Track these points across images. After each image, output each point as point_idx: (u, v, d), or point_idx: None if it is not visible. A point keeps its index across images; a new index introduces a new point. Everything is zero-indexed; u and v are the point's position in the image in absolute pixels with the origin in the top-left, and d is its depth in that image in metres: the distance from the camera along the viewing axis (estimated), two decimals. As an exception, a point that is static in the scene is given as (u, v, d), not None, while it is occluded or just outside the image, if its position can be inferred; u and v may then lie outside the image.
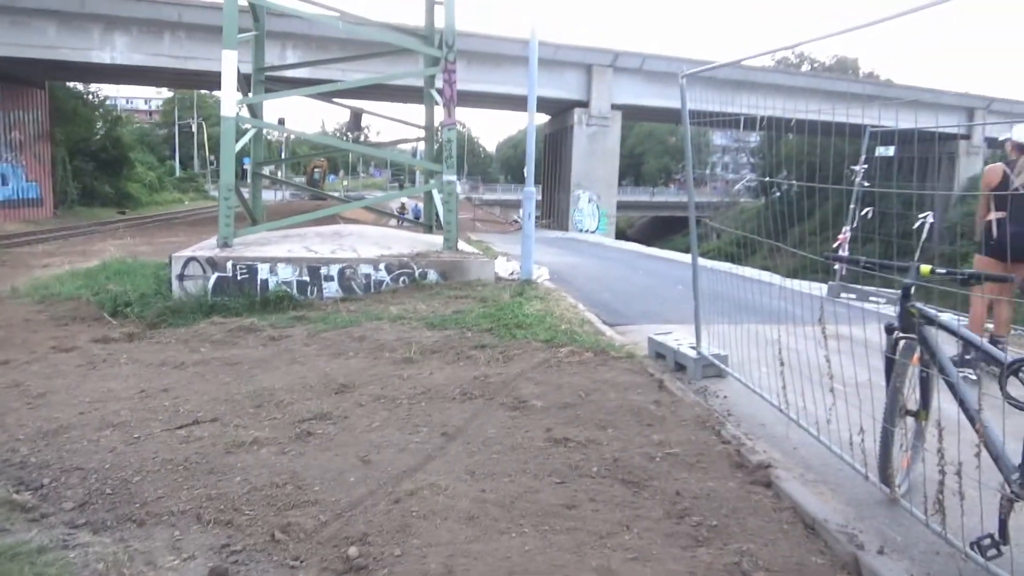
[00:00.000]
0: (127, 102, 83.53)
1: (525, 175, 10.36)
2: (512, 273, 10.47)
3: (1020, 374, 2.61)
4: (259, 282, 8.32)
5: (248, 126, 11.43)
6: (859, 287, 8.98)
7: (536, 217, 24.01)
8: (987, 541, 2.63)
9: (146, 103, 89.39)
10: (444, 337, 6.19)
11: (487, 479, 3.51)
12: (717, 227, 5.76)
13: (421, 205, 18.74)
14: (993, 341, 5.06)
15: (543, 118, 37.06)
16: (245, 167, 13.74)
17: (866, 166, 8.77)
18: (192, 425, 4.18)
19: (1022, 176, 5.10)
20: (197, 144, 65.15)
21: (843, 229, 8.85)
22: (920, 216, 8.12)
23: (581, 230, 30.99)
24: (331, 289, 8.54)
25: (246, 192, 12.62)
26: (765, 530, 3.10)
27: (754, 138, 56.47)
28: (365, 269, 8.74)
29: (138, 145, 53.49)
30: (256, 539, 2.93)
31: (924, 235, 8.01)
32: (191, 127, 64.75)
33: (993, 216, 5.13)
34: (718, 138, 68.91)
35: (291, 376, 5.14)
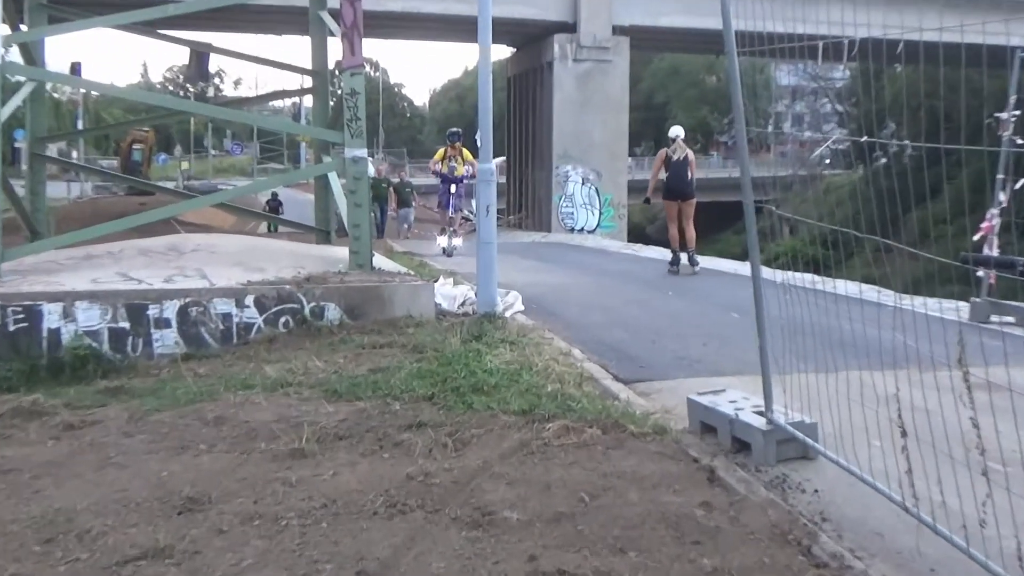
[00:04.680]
0: None
1: (478, 143, 10.38)
2: (464, 303, 10.44)
3: None
4: (44, 334, 8.17)
5: (21, 78, 11.30)
6: (1020, 304, 9.12)
7: (500, 211, 23.93)
8: None
9: None
10: (355, 413, 6.13)
11: (434, 645, 3.46)
12: (789, 217, 5.81)
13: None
14: (690, 252, 15.32)
15: (504, 51, 37.39)
16: (17, 145, 13.60)
17: (1018, 112, 8.95)
18: (-63, 578, 4.06)
19: (676, 154, 14.85)
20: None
21: (987, 213, 9.01)
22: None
23: (572, 229, 31.25)
24: (166, 341, 8.43)
25: (19, 186, 12.47)
26: None
27: (842, 74, 57.40)
28: (222, 306, 8.65)
29: None
30: None
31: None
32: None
33: (663, 175, 15.14)
34: (785, 76, 69.92)
35: (103, 488, 5.03)
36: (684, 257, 15.50)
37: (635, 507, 4.58)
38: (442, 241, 20.33)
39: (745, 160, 5.43)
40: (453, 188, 19.73)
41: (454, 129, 20.24)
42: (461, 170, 19.42)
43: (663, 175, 15.42)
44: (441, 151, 20.02)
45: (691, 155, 15.29)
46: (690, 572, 3.97)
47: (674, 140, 15.10)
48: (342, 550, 4.23)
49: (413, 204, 30.17)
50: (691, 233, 15.22)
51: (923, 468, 4.05)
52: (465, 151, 19.59)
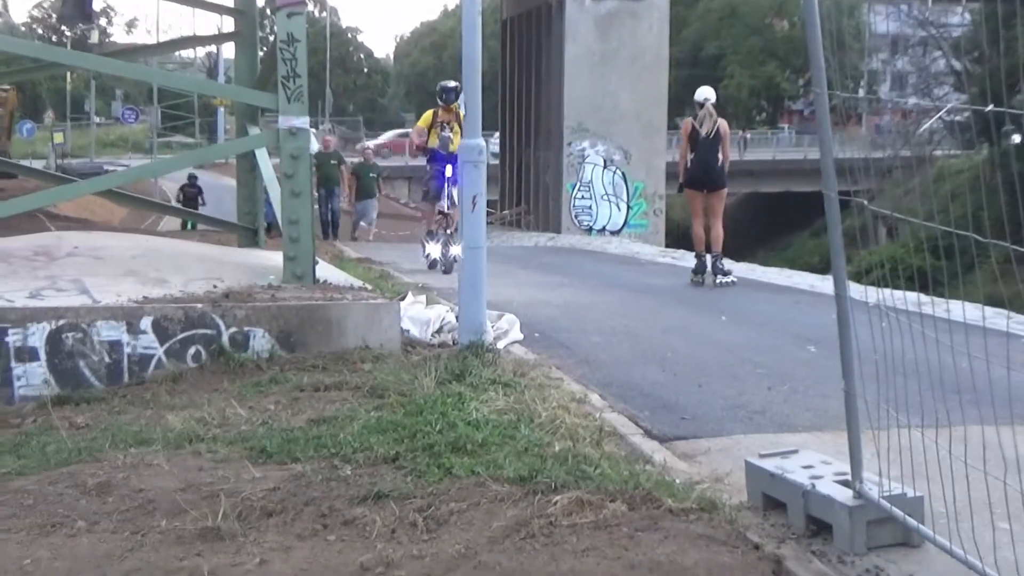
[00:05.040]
0: None
1: (462, 111, 10.40)
2: (440, 330, 10.45)
3: None
4: None
5: None
6: None
7: (491, 204, 23.93)
8: None
9: None
10: (290, 480, 6.13)
11: None
12: (887, 214, 5.81)
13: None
14: (715, 256, 16.32)
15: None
16: None
17: None
18: None
19: (704, 126, 15.57)
20: None
21: None
22: None
23: (590, 229, 31.29)
24: (32, 378, 8.43)
25: None
26: None
27: (960, 19, 57.50)
28: (109, 331, 8.65)
29: None
30: None
31: None
32: None
33: (689, 156, 15.86)
34: (883, 21, 69.88)
35: (-57, 582, 5.02)
36: (710, 262, 16.47)
37: (674, 611, 4.58)
38: (432, 249, 18.50)
39: (827, 136, 5.44)
40: (449, 170, 17.33)
41: (450, 84, 18.07)
42: (457, 142, 16.16)
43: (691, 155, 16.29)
44: (428, 115, 18.27)
45: (725, 127, 16.10)
46: None
47: (702, 106, 15.87)
48: (271, 669, 4.24)
49: (377, 194, 29.65)
50: (718, 232, 16.17)
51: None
52: (463, 114, 15.92)
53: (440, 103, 17.87)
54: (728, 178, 16.41)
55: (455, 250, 16.65)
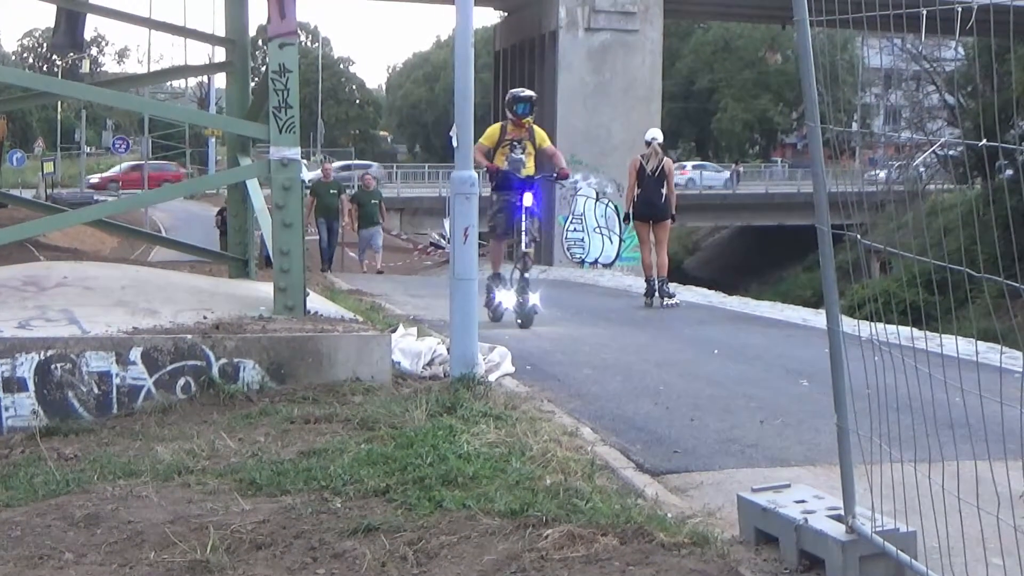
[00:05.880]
0: None
1: (454, 142, 10.42)
2: (432, 362, 10.42)
3: None
4: None
5: None
6: None
7: (484, 236, 23.97)
8: None
9: None
10: (280, 512, 6.11)
11: None
12: (880, 248, 5.81)
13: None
14: (661, 281, 18.37)
15: (491, 16, 37.54)
16: None
17: None
18: None
19: (650, 163, 17.76)
20: None
21: None
22: None
23: (582, 262, 31.29)
24: (20, 409, 8.39)
25: None
26: None
27: (954, 53, 57.65)
28: (98, 362, 8.62)
29: None
30: None
31: None
32: None
33: (636, 191, 18.05)
34: (876, 55, 70.09)
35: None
36: (658, 285, 18.54)
37: (665, 648, 4.56)
38: (504, 297, 15.15)
39: (820, 170, 5.44)
40: (528, 199, 14.71)
41: (523, 92, 15.55)
42: (531, 165, 15.04)
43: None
44: (494, 130, 15.23)
45: (669, 165, 18.42)
46: None
47: (649, 145, 18.10)
48: None
49: (381, 222, 29.82)
50: (663, 259, 18.40)
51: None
52: (538, 131, 15.31)
53: (511, 117, 15.07)
54: (674, 210, 18.59)
55: (534, 298, 14.76)
